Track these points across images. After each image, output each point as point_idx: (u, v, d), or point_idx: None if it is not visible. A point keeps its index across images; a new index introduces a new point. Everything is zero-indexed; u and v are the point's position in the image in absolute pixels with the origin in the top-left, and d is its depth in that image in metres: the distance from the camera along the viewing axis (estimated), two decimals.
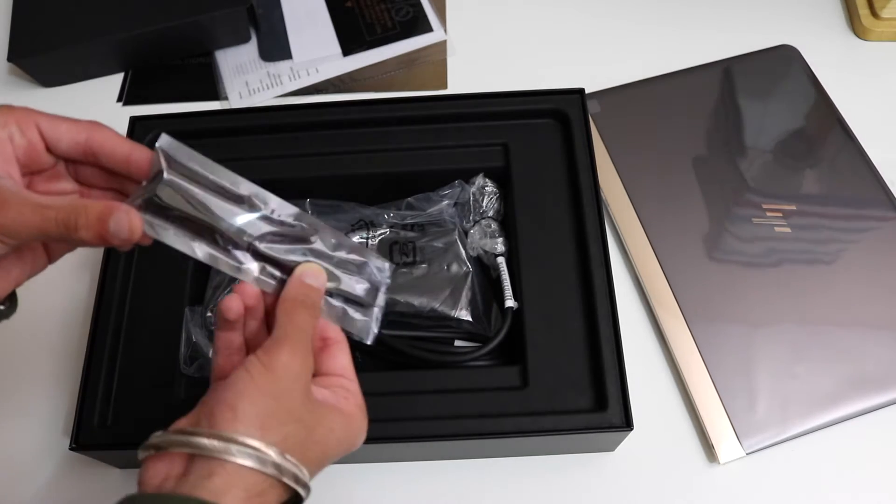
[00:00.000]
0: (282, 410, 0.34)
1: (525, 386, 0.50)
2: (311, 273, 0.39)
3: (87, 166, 0.39)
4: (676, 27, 0.73)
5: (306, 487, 0.35)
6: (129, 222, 0.34)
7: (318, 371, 0.39)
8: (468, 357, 0.52)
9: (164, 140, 0.37)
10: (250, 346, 0.40)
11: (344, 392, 0.38)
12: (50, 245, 0.39)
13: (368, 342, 0.42)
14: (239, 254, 0.38)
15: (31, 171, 0.38)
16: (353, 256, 0.41)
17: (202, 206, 0.37)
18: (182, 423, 0.35)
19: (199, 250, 0.37)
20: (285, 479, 0.33)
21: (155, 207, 0.36)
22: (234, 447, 0.32)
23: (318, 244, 0.40)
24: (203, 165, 0.38)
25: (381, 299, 0.42)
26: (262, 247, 0.38)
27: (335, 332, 0.40)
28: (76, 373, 0.53)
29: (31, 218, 0.34)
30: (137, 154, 0.38)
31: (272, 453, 0.33)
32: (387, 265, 0.42)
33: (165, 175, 0.36)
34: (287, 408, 0.35)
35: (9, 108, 0.37)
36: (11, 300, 0.40)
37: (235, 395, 0.34)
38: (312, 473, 0.36)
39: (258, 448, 0.33)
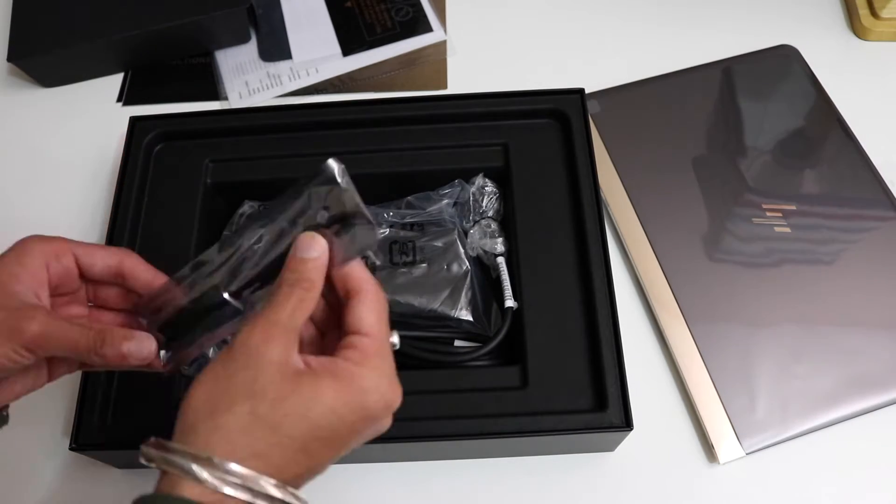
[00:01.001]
0: (232, 388, 0.33)
1: (525, 386, 0.50)
2: (302, 246, 0.36)
3: (108, 286, 0.44)
4: (676, 27, 0.73)
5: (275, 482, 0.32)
6: (150, 346, 0.40)
7: (342, 330, 0.36)
8: (468, 357, 0.52)
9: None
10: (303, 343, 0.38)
11: (351, 353, 0.34)
12: (53, 365, 0.43)
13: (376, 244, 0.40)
14: (229, 310, 0.40)
15: (57, 294, 0.42)
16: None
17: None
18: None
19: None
20: (231, 491, 0.31)
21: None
22: (183, 463, 0.32)
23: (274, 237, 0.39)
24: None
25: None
26: (235, 287, 0.39)
27: (358, 283, 0.36)
28: (76, 373, 0.53)
29: (72, 334, 0.38)
30: (159, 280, 0.42)
31: (264, 483, 0.31)
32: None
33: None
34: (242, 386, 0.33)
35: (44, 239, 0.41)
36: (4, 413, 0.44)
37: (193, 385, 0.34)
38: (306, 457, 0.33)
39: (242, 474, 0.31)
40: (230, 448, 0.32)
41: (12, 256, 0.40)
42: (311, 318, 0.39)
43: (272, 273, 0.37)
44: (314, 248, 0.36)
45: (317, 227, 0.37)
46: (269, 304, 0.35)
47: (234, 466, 0.31)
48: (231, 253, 0.39)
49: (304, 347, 0.37)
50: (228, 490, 0.31)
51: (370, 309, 0.36)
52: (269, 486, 0.32)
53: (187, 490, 0.31)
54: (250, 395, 0.33)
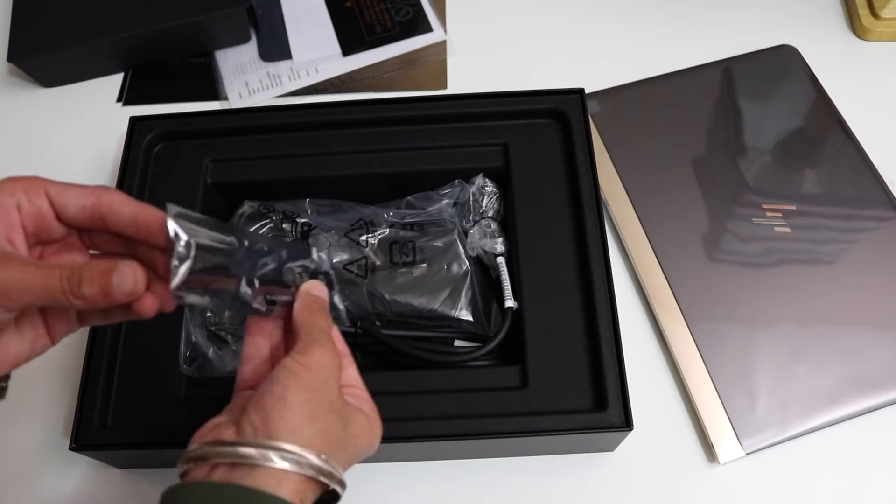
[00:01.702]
0: (323, 402, 0.36)
1: (525, 386, 0.50)
2: (315, 287, 0.42)
3: (99, 233, 0.38)
4: (676, 27, 0.73)
5: (342, 484, 0.36)
6: (133, 275, 0.34)
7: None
8: (468, 357, 0.52)
9: (173, 209, 0.36)
10: (275, 360, 0.41)
11: (358, 400, 0.40)
12: (51, 322, 0.38)
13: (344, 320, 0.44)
14: (249, 292, 0.39)
15: (41, 241, 0.37)
16: (300, 263, 0.43)
17: (220, 266, 0.37)
18: (221, 429, 0.36)
19: (218, 303, 0.38)
20: (322, 479, 0.35)
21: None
22: (272, 454, 0.34)
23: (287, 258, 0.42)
24: (204, 224, 0.37)
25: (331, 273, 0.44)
26: (257, 281, 0.40)
27: (341, 346, 0.41)
28: (76, 372, 0.53)
29: (34, 278, 0.33)
30: (144, 214, 0.37)
31: (310, 456, 0.34)
32: (316, 251, 0.43)
33: (190, 242, 0.35)
34: (327, 399, 0.36)
35: (16, 178, 0.36)
36: (4, 383, 0.39)
37: (283, 389, 0.35)
38: (345, 468, 0.37)
39: (296, 452, 0.34)
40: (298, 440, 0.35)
41: None
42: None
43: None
44: (324, 292, 0.42)
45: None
46: (320, 330, 0.39)
47: (306, 452, 0.35)
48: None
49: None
50: (308, 470, 0.34)
51: (354, 367, 0.42)
52: (314, 457, 0.35)
53: (260, 481, 0.33)
54: (335, 411, 0.37)
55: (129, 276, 0.34)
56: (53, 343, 0.39)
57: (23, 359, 0.37)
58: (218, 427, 0.36)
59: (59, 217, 0.37)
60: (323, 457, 0.35)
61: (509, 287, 0.54)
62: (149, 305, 0.36)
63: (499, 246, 0.56)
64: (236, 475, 0.33)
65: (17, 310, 0.35)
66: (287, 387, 0.36)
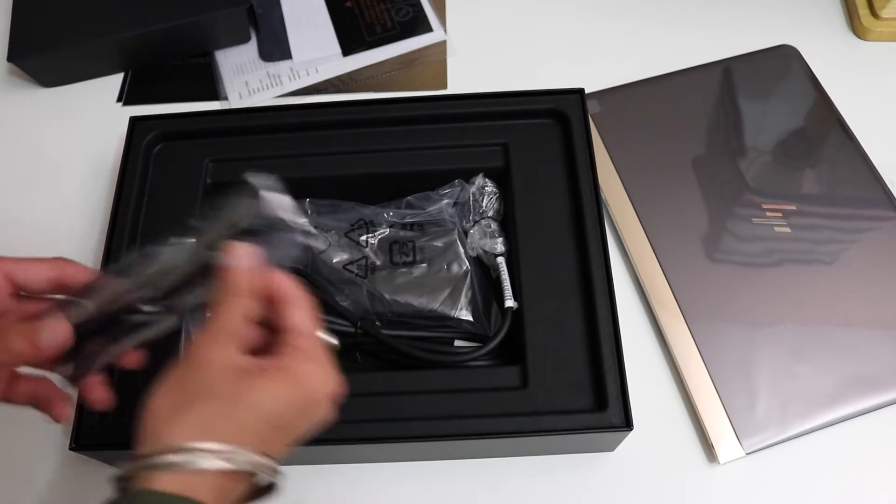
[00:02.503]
0: (188, 391, 0.35)
1: (525, 386, 0.50)
2: (234, 255, 0.39)
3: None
4: (676, 27, 0.73)
5: (272, 471, 0.35)
6: (61, 329, 0.39)
7: (275, 331, 0.38)
8: (468, 357, 0.52)
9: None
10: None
11: (291, 350, 0.37)
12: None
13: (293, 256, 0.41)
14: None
15: None
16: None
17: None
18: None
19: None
20: (207, 464, 0.32)
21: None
22: (151, 461, 0.33)
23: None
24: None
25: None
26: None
27: (283, 290, 0.39)
28: None
29: None
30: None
31: (177, 453, 0.32)
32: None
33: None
34: (197, 389, 0.35)
35: None
36: None
37: (150, 396, 0.35)
38: (264, 444, 0.35)
39: (163, 451, 0.33)
40: (195, 437, 0.33)
41: None
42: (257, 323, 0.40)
43: (200, 278, 0.40)
44: (243, 258, 0.38)
45: (241, 236, 0.39)
46: (213, 313, 0.37)
47: (206, 444, 0.33)
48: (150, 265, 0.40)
49: (254, 351, 0.38)
50: (205, 463, 0.32)
51: (301, 310, 0.38)
52: (250, 453, 0.33)
53: (157, 483, 0.32)
54: (207, 395, 0.34)
55: (59, 330, 0.39)
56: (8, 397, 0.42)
57: None
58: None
59: (17, 291, 0.40)
60: (196, 444, 0.33)
61: (509, 287, 0.54)
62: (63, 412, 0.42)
63: (499, 246, 0.56)
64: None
65: None
66: (152, 393, 0.35)
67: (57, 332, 0.39)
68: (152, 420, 0.34)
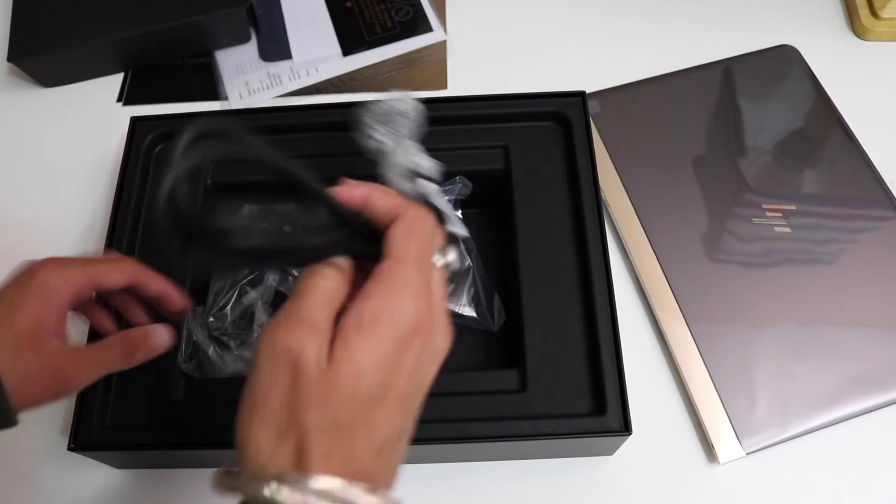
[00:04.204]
0: (281, 404, 0.30)
1: (524, 389, 0.49)
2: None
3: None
4: (676, 27, 0.73)
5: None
6: (168, 334, 0.46)
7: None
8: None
9: None
10: None
11: (372, 284, 0.32)
12: None
13: None
14: None
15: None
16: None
17: None
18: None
19: None
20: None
21: None
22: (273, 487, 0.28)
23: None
24: None
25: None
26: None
27: (393, 210, 0.33)
28: None
29: (101, 361, 0.43)
30: (170, 289, 0.48)
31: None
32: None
33: None
34: (284, 398, 0.30)
35: (65, 270, 0.42)
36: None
37: (243, 408, 0.32)
38: (360, 428, 0.30)
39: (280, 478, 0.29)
40: (304, 460, 0.29)
41: (36, 297, 0.41)
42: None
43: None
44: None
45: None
46: (295, 295, 0.32)
47: (318, 480, 0.28)
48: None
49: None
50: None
51: (399, 230, 0.33)
52: (361, 495, 0.29)
53: None
54: (303, 406, 0.30)
55: (164, 336, 0.45)
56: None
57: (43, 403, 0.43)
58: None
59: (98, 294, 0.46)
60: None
61: (451, 216, 0.48)
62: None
63: (425, 163, 0.49)
64: None
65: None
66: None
67: (166, 335, 0.45)
68: (240, 433, 0.30)
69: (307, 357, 0.30)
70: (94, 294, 0.47)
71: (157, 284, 0.47)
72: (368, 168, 0.58)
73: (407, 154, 0.46)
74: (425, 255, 0.33)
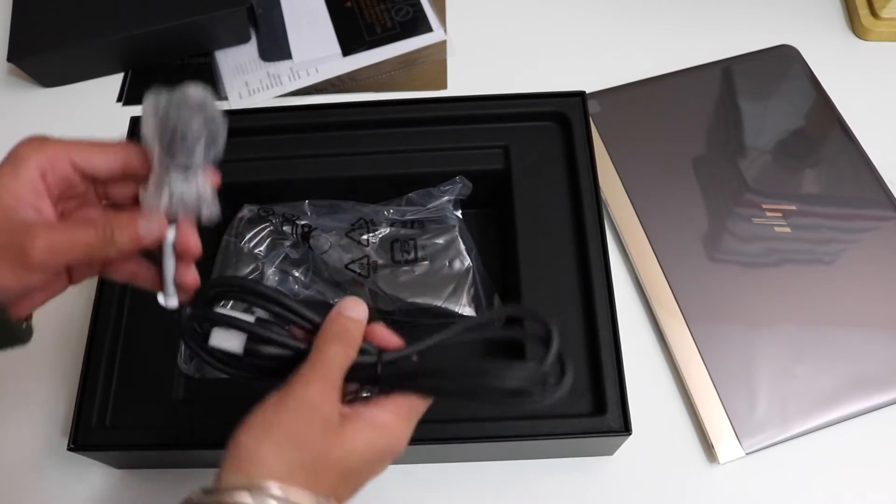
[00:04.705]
0: (283, 435, 0.35)
1: None
2: (349, 305, 0.40)
3: (118, 183, 0.41)
4: (676, 27, 0.73)
5: None
6: (159, 221, 0.38)
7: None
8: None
9: None
10: None
11: (392, 405, 0.38)
12: (74, 267, 0.41)
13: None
14: None
15: (63, 199, 0.40)
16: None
17: None
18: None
19: None
20: None
21: None
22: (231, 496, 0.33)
23: None
24: None
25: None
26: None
27: (392, 345, 0.40)
28: (75, 373, 0.53)
29: (77, 238, 0.37)
30: None
31: (273, 488, 0.33)
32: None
33: None
34: (292, 433, 0.35)
35: (38, 145, 0.38)
36: (26, 325, 0.41)
37: (245, 426, 0.36)
38: (335, 492, 0.36)
39: (244, 487, 0.33)
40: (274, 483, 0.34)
41: (7, 169, 0.37)
42: None
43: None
44: (357, 309, 0.39)
45: None
46: (321, 359, 0.37)
47: (282, 491, 0.33)
48: None
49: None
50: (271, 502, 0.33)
51: None
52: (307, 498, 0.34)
53: None
54: (300, 445, 0.35)
55: (156, 221, 0.38)
56: (72, 283, 0.42)
57: (44, 301, 0.41)
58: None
59: (84, 177, 0.39)
60: (285, 487, 0.34)
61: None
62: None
63: (202, 194, 0.39)
64: None
65: (62, 268, 0.39)
66: (249, 430, 0.35)
67: (156, 222, 0.38)
68: (243, 449, 0.35)
69: (326, 411, 0.36)
70: (84, 182, 0.39)
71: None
72: (368, 168, 0.58)
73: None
74: (428, 405, 0.40)
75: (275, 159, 0.58)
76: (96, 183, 0.41)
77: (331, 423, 0.36)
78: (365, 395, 0.40)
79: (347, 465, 0.36)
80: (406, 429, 0.38)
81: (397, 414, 0.38)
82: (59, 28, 0.70)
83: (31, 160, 0.37)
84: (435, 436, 0.48)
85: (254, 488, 0.33)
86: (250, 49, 0.74)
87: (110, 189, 0.41)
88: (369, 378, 0.38)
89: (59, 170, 0.38)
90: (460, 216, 0.59)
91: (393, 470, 0.53)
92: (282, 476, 0.34)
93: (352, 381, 0.38)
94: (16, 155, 0.38)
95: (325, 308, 0.40)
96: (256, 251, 0.58)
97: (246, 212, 0.59)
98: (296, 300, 0.39)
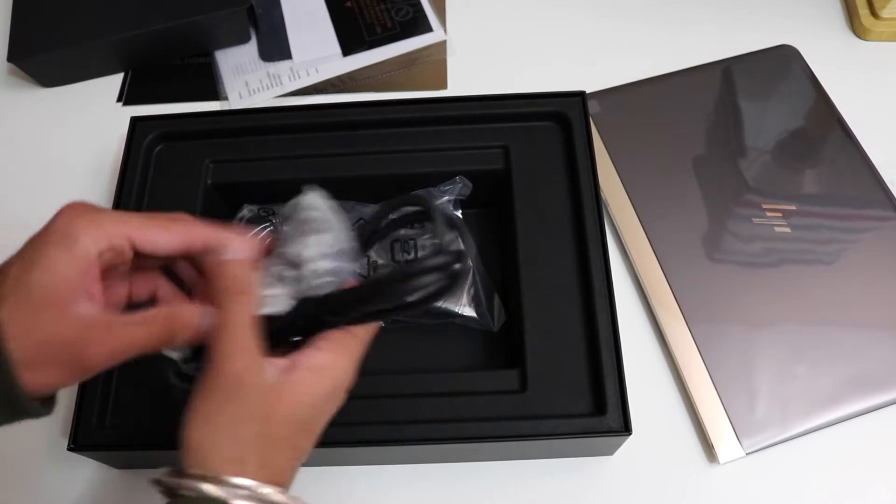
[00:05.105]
0: (225, 414, 0.35)
1: (524, 390, 0.49)
2: (232, 247, 0.37)
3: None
4: (676, 27, 0.73)
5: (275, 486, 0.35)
6: (209, 313, 0.37)
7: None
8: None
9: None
10: None
11: (327, 344, 0.37)
12: None
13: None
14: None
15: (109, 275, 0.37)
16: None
17: None
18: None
19: None
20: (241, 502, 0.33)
21: None
22: (186, 484, 0.33)
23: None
24: None
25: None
26: None
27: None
28: None
29: (130, 343, 0.35)
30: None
31: (211, 486, 0.33)
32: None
33: None
34: (232, 410, 0.35)
35: (95, 217, 0.34)
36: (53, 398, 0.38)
37: (188, 417, 0.35)
38: (295, 450, 0.36)
39: (204, 478, 0.33)
40: (236, 467, 0.34)
41: (59, 249, 0.33)
42: None
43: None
44: (240, 249, 0.37)
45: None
46: (227, 325, 0.35)
47: (240, 480, 0.33)
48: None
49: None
50: (238, 502, 0.33)
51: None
52: (276, 495, 0.34)
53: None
54: (243, 421, 0.35)
55: (209, 314, 0.36)
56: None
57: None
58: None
59: (140, 255, 0.36)
60: (239, 480, 0.33)
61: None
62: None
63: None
64: None
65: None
66: (188, 419, 0.35)
67: (209, 315, 0.36)
68: (194, 442, 0.35)
69: (254, 380, 0.35)
70: (131, 257, 0.36)
71: (212, 236, 0.37)
72: (367, 168, 0.58)
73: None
74: (371, 332, 0.39)
75: (275, 159, 0.59)
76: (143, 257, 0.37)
77: (264, 388, 0.35)
78: (295, 338, 0.38)
79: (297, 418, 0.36)
80: (348, 361, 0.37)
81: (335, 351, 0.36)
82: (59, 28, 0.70)
83: (88, 238, 0.33)
84: (435, 436, 0.48)
85: (214, 480, 0.33)
86: (250, 49, 0.74)
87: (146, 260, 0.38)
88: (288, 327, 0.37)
89: (116, 249, 0.35)
90: (460, 216, 0.59)
91: (394, 470, 0.54)
92: (236, 457, 0.34)
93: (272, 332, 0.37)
94: (67, 230, 0.33)
95: None
96: None
97: (246, 212, 0.59)
98: None
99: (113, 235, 0.34)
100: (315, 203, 0.40)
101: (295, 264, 0.39)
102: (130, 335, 0.35)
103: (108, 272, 0.36)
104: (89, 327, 0.33)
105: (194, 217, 0.38)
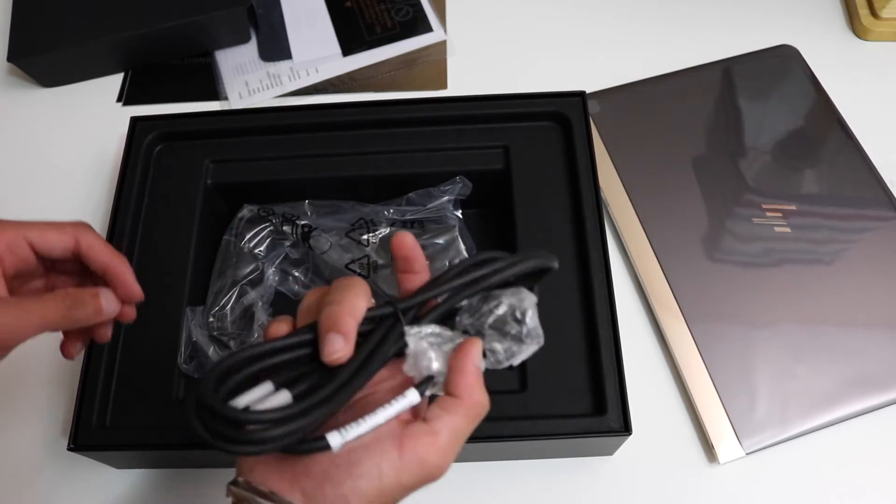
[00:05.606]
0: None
1: (524, 389, 0.49)
2: (106, 296, 0.41)
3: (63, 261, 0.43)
4: (676, 27, 0.73)
5: None
6: (116, 302, 0.41)
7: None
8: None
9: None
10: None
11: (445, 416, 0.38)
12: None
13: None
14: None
15: (15, 277, 0.41)
16: None
17: None
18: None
19: None
20: None
21: None
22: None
23: None
24: None
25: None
26: None
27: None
28: (75, 372, 0.53)
29: (32, 314, 0.38)
30: (116, 261, 0.42)
31: None
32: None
33: None
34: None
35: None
36: None
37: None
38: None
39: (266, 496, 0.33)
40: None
41: None
42: None
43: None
44: (105, 297, 0.41)
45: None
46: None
47: None
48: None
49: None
50: None
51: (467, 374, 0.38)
52: None
53: None
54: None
55: (112, 302, 0.41)
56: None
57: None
58: None
59: (39, 256, 0.41)
60: None
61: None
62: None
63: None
64: None
65: (17, 346, 0.38)
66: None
67: (113, 298, 0.41)
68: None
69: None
70: (37, 261, 0.41)
71: (105, 256, 0.42)
72: (368, 168, 0.58)
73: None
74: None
75: (275, 159, 0.59)
76: (45, 261, 0.42)
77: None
78: (427, 392, 0.37)
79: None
80: (454, 450, 0.38)
81: (435, 448, 0.37)
82: (59, 28, 0.70)
83: None
84: None
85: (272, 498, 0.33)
86: (250, 49, 0.74)
87: (58, 265, 0.43)
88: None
89: (17, 252, 0.40)
90: (460, 216, 0.59)
91: None
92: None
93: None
94: None
95: None
96: (256, 251, 0.58)
97: (246, 212, 0.59)
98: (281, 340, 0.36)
99: (11, 240, 0.40)
100: (530, 320, 0.40)
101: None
102: (30, 310, 0.38)
103: (21, 277, 0.41)
104: None
105: (86, 224, 0.42)
